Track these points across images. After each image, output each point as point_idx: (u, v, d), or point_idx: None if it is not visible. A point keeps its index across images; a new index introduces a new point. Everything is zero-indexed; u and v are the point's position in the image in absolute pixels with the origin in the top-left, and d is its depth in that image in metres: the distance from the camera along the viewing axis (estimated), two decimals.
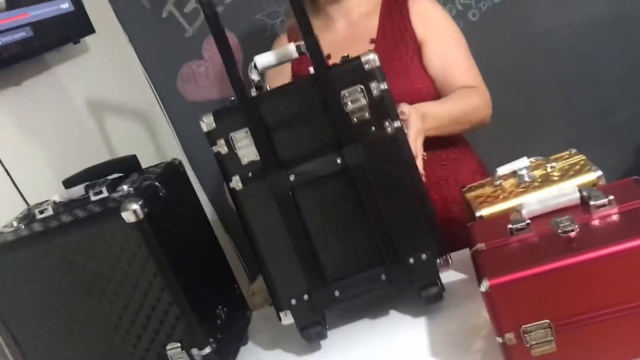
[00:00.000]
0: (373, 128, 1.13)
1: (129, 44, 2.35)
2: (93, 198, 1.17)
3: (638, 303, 0.90)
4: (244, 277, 2.54)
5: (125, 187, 1.16)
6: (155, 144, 2.32)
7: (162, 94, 2.42)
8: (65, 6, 1.81)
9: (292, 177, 1.14)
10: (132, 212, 1.07)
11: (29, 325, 1.16)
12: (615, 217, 0.96)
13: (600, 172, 1.17)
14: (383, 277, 1.17)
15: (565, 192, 1.03)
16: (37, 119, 1.71)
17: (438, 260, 1.17)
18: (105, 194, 1.17)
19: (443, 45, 1.61)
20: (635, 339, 0.92)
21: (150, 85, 2.40)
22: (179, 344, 1.14)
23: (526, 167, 1.25)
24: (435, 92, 1.61)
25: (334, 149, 1.13)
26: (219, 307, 1.24)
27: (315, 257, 1.17)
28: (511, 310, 0.93)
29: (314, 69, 1.12)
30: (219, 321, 1.22)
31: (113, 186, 1.18)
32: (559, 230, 0.95)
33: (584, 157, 1.24)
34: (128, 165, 1.26)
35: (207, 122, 1.15)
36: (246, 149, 1.15)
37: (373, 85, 1.12)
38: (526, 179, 1.23)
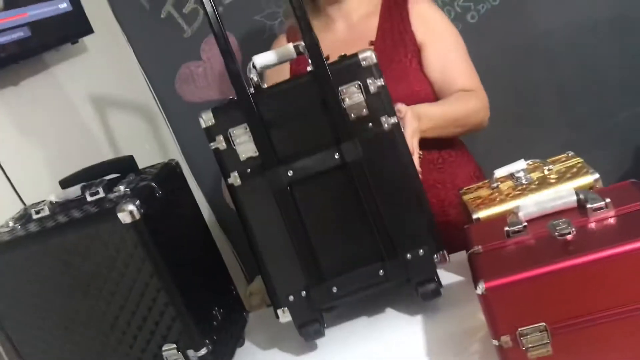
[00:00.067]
0: (370, 124, 1.15)
1: (127, 44, 2.35)
2: (89, 198, 1.17)
3: (634, 306, 0.90)
4: (241, 278, 2.54)
5: (121, 188, 1.16)
6: (153, 144, 2.32)
7: (160, 94, 2.42)
8: (64, 6, 1.81)
9: (290, 173, 1.15)
10: (128, 213, 1.07)
11: (25, 326, 1.15)
12: (612, 220, 0.96)
13: (597, 175, 1.17)
14: (381, 272, 1.17)
15: (562, 194, 1.03)
16: (34, 118, 1.71)
17: (435, 256, 1.17)
18: (101, 194, 1.17)
19: (442, 48, 1.61)
20: (632, 342, 0.92)
21: (149, 86, 2.40)
22: (174, 345, 1.14)
23: (523, 170, 1.25)
24: (433, 95, 1.61)
25: (331, 145, 1.14)
26: (215, 308, 1.24)
27: (313, 253, 1.17)
28: (507, 313, 0.93)
29: (312, 66, 1.13)
30: (215, 322, 1.22)
31: (109, 187, 1.18)
32: (556, 233, 0.95)
33: (581, 160, 1.24)
34: (125, 165, 1.26)
35: (206, 118, 1.16)
36: (245, 145, 1.15)
37: (370, 81, 1.13)
38: (523, 181, 1.24)
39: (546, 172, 1.24)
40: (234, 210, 1.25)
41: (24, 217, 1.21)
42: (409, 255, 1.17)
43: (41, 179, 1.59)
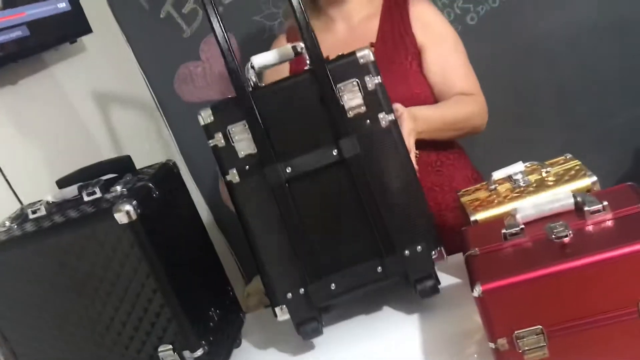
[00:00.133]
0: (368, 121, 1.16)
1: (126, 44, 2.35)
2: (86, 198, 1.17)
3: (631, 309, 0.90)
4: (239, 278, 2.53)
5: (118, 188, 1.16)
6: (151, 144, 2.32)
7: (159, 94, 2.42)
8: (62, 5, 1.81)
9: (288, 170, 1.15)
10: (124, 213, 1.07)
11: (20, 325, 1.15)
12: (609, 223, 0.96)
13: (595, 178, 1.16)
14: (379, 269, 1.17)
15: (560, 197, 1.03)
16: (33, 118, 1.71)
17: (433, 252, 1.18)
18: (98, 194, 1.16)
19: (442, 51, 1.61)
20: (628, 345, 0.92)
21: (148, 86, 2.40)
22: (170, 346, 1.14)
23: (521, 172, 1.25)
24: (433, 98, 1.62)
25: (330, 141, 1.15)
26: (212, 309, 1.24)
27: (311, 250, 1.17)
28: (504, 316, 0.93)
29: (310, 63, 1.14)
30: (211, 323, 1.21)
31: (106, 187, 1.18)
32: (553, 236, 0.95)
33: (579, 163, 1.24)
34: (122, 165, 1.26)
35: (205, 116, 1.17)
36: (243, 142, 1.16)
37: (368, 79, 1.15)
38: (521, 183, 1.23)
39: (544, 175, 1.23)
40: (232, 211, 1.25)
41: (20, 217, 1.20)
42: (406, 252, 1.17)
43: (39, 179, 1.59)
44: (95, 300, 1.12)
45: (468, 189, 1.31)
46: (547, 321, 0.91)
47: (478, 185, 1.31)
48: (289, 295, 1.18)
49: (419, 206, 1.18)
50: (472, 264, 0.99)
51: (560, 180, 1.20)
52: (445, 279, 1.22)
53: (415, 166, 1.22)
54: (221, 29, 1.13)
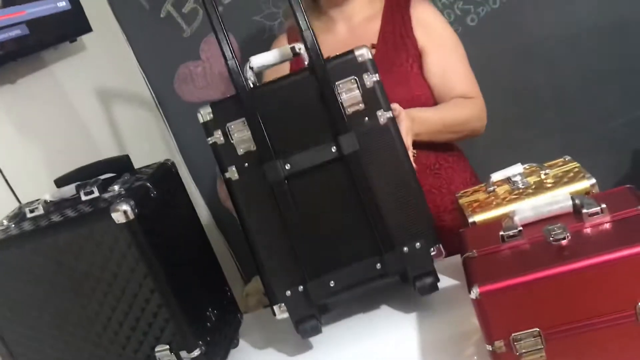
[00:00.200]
0: (366, 118, 1.17)
1: (126, 44, 2.34)
2: (84, 198, 1.16)
3: (629, 312, 0.89)
4: (238, 278, 2.53)
5: (116, 188, 1.15)
6: (151, 144, 2.32)
7: (159, 94, 2.42)
8: (62, 4, 1.81)
9: (287, 167, 1.16)
10: (122, 213, 1.07)
11: (17, 325, 1.15)
12: (607, 226, 0.96)
13: (593, 180, 1.16)
14: (378, 266, 1.18)
15: (558, 199, 1.03)
16: (32, 117, 1.71)
17: (432, 249, 1.18)
18: (96, 194, 1.16)
19: (443, 54, 1.62)
20: (626, 348, 0.91)
21: (148, 86, 2.39)
22: (167, 346, 1.13)
23: (520, 174, 1.24)
24: (433, 100, 1.62)
25: (328, 138, 1.16)
26: (209, 310, 1.23)
27: (310, 247, 1.17)
28: (501, 318, 0.93)
29: (309, 61, 1.15)
30: (208, 323, 1.21)
31: (104, 186, 1.18)
32: (551, 238, 0.95)
33: (578, 165, 1.24)
34: (120, 165, 1.25)
35: (204, 113, 1.17)
36: (243, 140, 1.17)
37: (366, 76, 1.16)
38: (520, 185, 1.23)
39: (543, 177, 1.23)
40: (231, 211, 1.25)
41: (18, 216, 1.20)
42: (405, 249, 1.17)
43: (38, 178, 1.59)
44: (92, 300, 1.12)
45: (466, 190, 1.31)
46: (544, 324, 0.91)
47: (476, 187, 1.31)
48: (288, 293, 1.18)
49: (417, 203, 1.19)
50: (470, 265, 0.99)
51: (559, 182, 1.20)
52: (444, 281, 1.21)
53: (414, 165, 1.22)
54: (221, 28, 1.14)
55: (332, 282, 1.18)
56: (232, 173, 1.18)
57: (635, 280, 0.88)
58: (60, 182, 1.24)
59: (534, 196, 1.18)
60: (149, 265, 1.10)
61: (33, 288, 1.13)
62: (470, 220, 1.19)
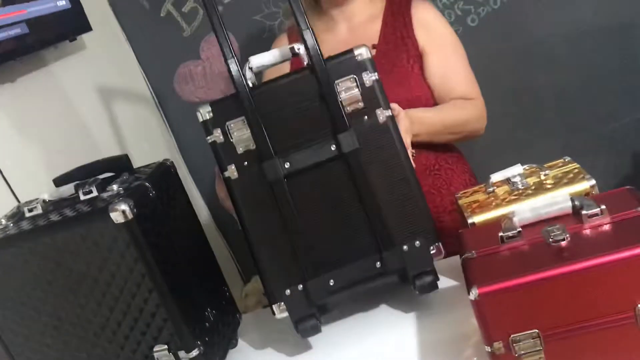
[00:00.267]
0: (366, 117, 1.17)
1: (126, 43, 2.34)
2: (82, 197, 1.16)
3: (628, 314, 0.89)
4: (237, 278, 2.53)
5: (115, 187, 1.15)
6: (151, 144, 2.32)
7: (159, 93, 2.42)
8: (62, 3, 1.81)
9: (287, 165, 1.16)
10: (120, 213, 1.06)
11: (14, 324, 1.15)
12: (606, 227, 0.96)
13: (593, 181, 1.16)
14: (378, 264, 1.18)
15: (558, 200, 1.03)
16: (31, 115, 1.70)
17: (431, 247, 1.18)
18: (94, 193, 1.16)
19: (443, 55, 1.62)
20: (625, 350, 0.91)
21: (148, 85, 2.39)
22: (165, 346, 1.13)
23: (520, 174, 1.24)
24: (433, 101, 1.62)
25: (328, 137, 1.16)
26: (208, 310, 1.23)
27: (310, 246, 1.17)
28: (500, 319, 0.92)
29: (309, 60, 1.15)
30: (207, 324, 1.21)
31: (103, 186, 1.17)
32: (550, 239, 0.95)
33: (577, 166, 1.23)
34: (119, 164, 1.25)
35: (204, 112, 1.18)
36: (242, 138, 1.17)
37: (365, 75, 1.16)
38: (519, 186, 1.23)
39: (542, 177, 1.23)
40: (229, 211, 1.25)
41: (16, 215, 1.20)
42: (405, 247, 1.18)
43: (37, 177, 1.59)
44: (90, 300, 1.12)
45: (466, 191, 1.31)
46: (543, 325, 0.91)
47: (476, 188, 1.30)
48: (287, 292, 1.18)
49: (417, 201, 1.19)
50: (469, 266, 0.99)
51: (558, 183, 1.20)
52: (443, 281, 1.21)
53: (413, 164, 1.22)
54: (221, 27, 1.14)
55: (331, 280, 1.18)
56: (232, 172, 1.18)
57: (635, 282, 0.88)
58: (59, 182, 1.24)
59: (534, 197, 1.18)
60: (148, 265, 1.09)
61: (31, 287, 1.12)
62: (470, 221, 1.19)
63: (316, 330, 1.19)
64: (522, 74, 2.25)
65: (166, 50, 2.36)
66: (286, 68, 1.66)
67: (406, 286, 1.24)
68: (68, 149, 1.79)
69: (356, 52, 1.17)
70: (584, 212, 0.98)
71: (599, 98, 2.24)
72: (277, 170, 1.16)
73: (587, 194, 1.15)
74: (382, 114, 1.17)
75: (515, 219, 1.02)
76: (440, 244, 1.20)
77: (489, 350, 0.94)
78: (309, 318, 1.19)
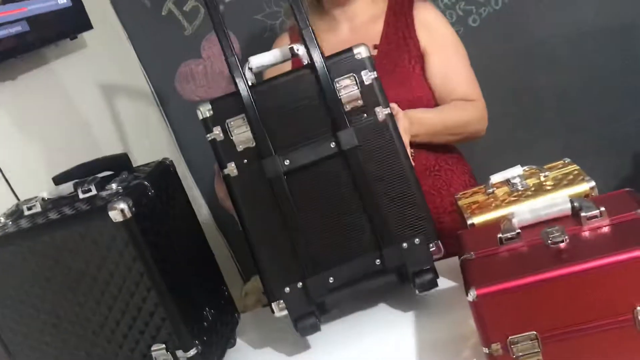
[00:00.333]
0: (365, 115, 1.18)
1: (127, 41, 2.34)
2: (81, 196, 1.16)
3: (626, 316, 0.89)
4: (237, 277, 2.53)
5: (114, 186, 1.15)
6: (152, 142, 2.32)
7: (160, 92, 2.42)
8: (63, 1, 1.81)
9: (287, 162, 1.16)
10: (119, 211, 1.06)
11: (13, 322, 1.15)
12: (605, 229, 0.95)
13: (593, 183, 1.16)
14: (377, 262, 1.18)
15: (557, 202, 1.02)
16: (32, 113, 1.70)
17: (431, 245, 1.18)
18: (93, 192, 1.16)
19: (445, 56, 1.62)
20: (623, 352, 0.91)
21: (148, 84, 2.39)
22: (164, 345, 1.13)
23: (520, 176, 1.24)
24: (434, 102, 1.62)
25: (328, 134, 1.17)
26: (206, 309, 1.23)
27: (309, 243, 1.17)
28: (498, 321, 0.92)
29: (309, 58, 1.16)
30: (205, 323, 1.21)
31: (102, 184, 1.17)
32: (549, 241, 0.94)
33: (577, 167, 1.23)
34: (118, 163, 1.25)
35: (204, 109, 1.18)
36: (242, 136, 1.17)
37: (364, 73, 1.17)
38: (519, 187, 1.23)
39: (542, 179, 1.23)
40: (229, 210, 1.25)
41: (15, 213, 1.20)
42: (405, 244, 1.18)
43: (37, 175, 1.59)
44: (89, 298, 1.12)
45: (466, 191, 1.31)
46: (541, 327, 0.91)
47: (476, 189, 1.30)
48: (287, 289, 1.18)
49: (416, 199, 1.19)
50: (468, 268, 0.98)
51: (558, 184, 1.20)
52: (442, 282, 1.21)
53: (412, 163, 1.22)
54: (222, 24, 1.14)
55: (331, 278, 1.18)
56: (231, 169, 1.18)
57: (633, 284, 0.87)
58: (58, 180, 1.24)
59: (533, 198, 1.18)
60: (146, 264, 1.09)
61: (30, 285, 1.12)
62: (469, 221, 1.19)
63: (315, 328, 1.19)
64: (523, 75, 2.25)
65: (167, 48, 2.36)
66: (287, 68, 1.66)
67: (405, 286, 1.24)
68: (68, 147, 1.79)
69: (355, 51, 1.18)
70: (583, 214, 0.97)
71: (600, 99, 2.24)
72: (277, 168, 1.16)
73: (586, 195, 1.14)
74: (381, 112, 1.17)
75: (515, 221, 1.02)
76: (439, 242, 1.20)
77: (487, 351, 0.94)
78: (308, 316, 1.19)
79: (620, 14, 2.15)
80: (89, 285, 1.11)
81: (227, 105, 1.17)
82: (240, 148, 1.17)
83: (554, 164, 1.27)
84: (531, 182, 1.23)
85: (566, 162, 1.26)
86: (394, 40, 1.62)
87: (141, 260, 1.09)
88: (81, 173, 1.23)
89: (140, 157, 1.31)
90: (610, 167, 2.24)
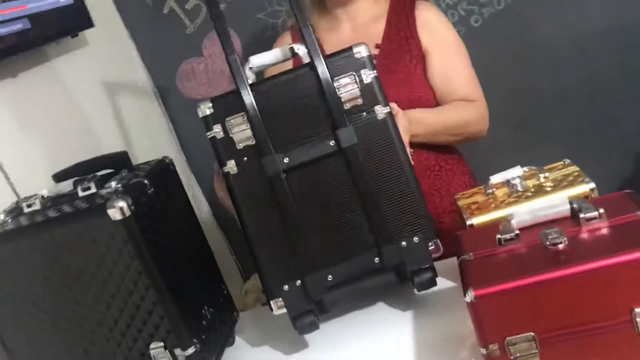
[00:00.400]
0: (364, 113, 1.18)
1: (129, 39, 2.34)
2: (81, 194, 1.16)
3: (624, 318, 0.89)
4: (237, 276, 2.53)
5: (113, 184, 1.15)
6: (153, 140, 2.32)
7: (161, 90, 2.42)
8: None
9: (286, 160, 1.16)
10: (118, 210, 1.06)
11: (11, 320, 1.15)
12: (604, 231, 0.95)
13: (593, 184, 1.16)
14: (376, 260, 1.18)
15: (556, 203, 1.02)
16: (33, 111, 1.70)
17: (430, 243, 1.18)
18: (93, 190, 1.16)
19: (446, 56, 1.62)
20: (621, 354, 0.91)
21: (150, 82, 2.39)
22: (162, 344, 1.13)
23: (519, 177, 1.24)
24: (435, 102, 1.62)
25: (327, 132, 1.17)
26: (205, 308, 1.23)
27: (308, 241, 1.18)
28: (496, 322, 0.92)
29: (309, 57, 1.16)
30: (204, 322, 1.21)
31: (101, 182, 1.17)
32: (547, 243, 0.94)
33: (577, 168, 1.23)
34: (118, 161, 1.25)
35: (204, 107, 1.18)
36: (242, 134, 1.18)
37: (364, 72, 1.18)
38: (519, 188, 1.23)
39: (542, 180, 1.23)
40: (228, 209, 1.25)
41: (15, 211, 1.20)
42: (404, 243, 1.18)
43: (38, 173, 1.59)
44: (87, 297, 1.12)
45: (465, 192, 1.31)
46: (539, 328, 0.91)
47: (475, 189, 1.30)
48: (286, 287, 1.18)
49: (415, 197, 1.19)
50: (466, 268, 0.98)
51: (558, 185, 1.19)
52: (441, 282, 1.21)
53: (411, 162, 1.23)
54: (222, 23, 1.15)
55: (330, 276, 1.18)
56: (231, 167, 1.18)
57: (631, 286, 0.87)
58: (58, 178, 1.24)
59: (533, 199, 1.18)
60: (145, 262, 1.10)
61: (28, 283, 1.13)
62: (468, 222, 1.19)
63: (314, 327, 1.19)
64: (525, 75, 2.24)
65: (169, 47, 2.36)
66: (287, 67, 1.66)
67: (404, 285, 1.24)
68: (69, 144, 1.79)
69: (355, 50, 1.18)
70: (582, 215, 0.97)
71: (601, 100, 2.23)
72: (276, 165, 1.16)
73: (586, 197, 1.14)
74: (380, 111, 1.18)
75: (514, 222, 1.02)
76: (438, 240, 1.20)
77: (485, 352, 0.94)
78: (307, 314, 1.19)
79: (623, 15, 2.14)
80: (88, 283, 1.11)
81: (228, 104, 1.18)
82: (240, 146, 1.18)
83: (554, 165, 1.27)
84: (531, 183, 1.23)
85: (566, 163, 1.26)
86: (396, 40, 1.62)
87: (140, 258, 1.09)
88: (81, 171, 1.23)
89: (141, 155, 1.31)
90: (611, 168, 2.24)
